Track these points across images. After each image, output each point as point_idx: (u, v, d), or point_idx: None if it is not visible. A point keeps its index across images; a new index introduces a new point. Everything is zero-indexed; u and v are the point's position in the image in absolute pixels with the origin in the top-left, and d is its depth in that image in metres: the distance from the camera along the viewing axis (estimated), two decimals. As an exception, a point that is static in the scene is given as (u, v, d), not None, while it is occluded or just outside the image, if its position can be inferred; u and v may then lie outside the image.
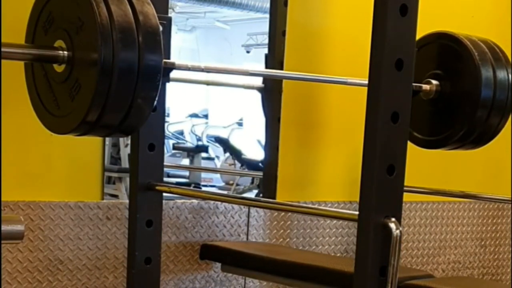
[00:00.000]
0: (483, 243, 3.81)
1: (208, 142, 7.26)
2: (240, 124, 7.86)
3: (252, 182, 5.40)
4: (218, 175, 6.61)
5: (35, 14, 1.98)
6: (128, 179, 2.62)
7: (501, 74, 2.61)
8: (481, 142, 2.71)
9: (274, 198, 3.08)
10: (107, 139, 2.95)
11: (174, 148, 6.97)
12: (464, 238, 3.73)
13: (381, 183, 1.80)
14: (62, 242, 2.64)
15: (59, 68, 1.91)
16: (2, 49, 1.82)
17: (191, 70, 2.30)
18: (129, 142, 2.76)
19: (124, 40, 1.81)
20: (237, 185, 5.83)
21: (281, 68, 3.09)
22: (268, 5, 3.23)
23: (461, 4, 3.57)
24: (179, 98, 7.05)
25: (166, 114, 2.66)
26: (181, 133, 7.69)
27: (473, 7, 3.63)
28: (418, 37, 1.91)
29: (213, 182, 6.34)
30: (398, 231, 1.78)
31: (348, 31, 3.19)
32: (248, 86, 3.33)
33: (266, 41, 3.25)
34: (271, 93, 3.20)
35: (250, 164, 5.95)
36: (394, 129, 1.81)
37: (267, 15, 3.22)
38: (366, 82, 1.84)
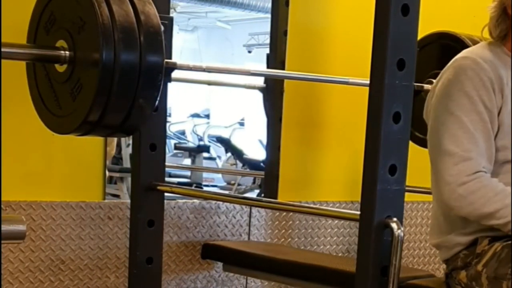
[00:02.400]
0: (484, 243, 3.80)
1: (209, 142, 7.25)
2: (241, 124, 7.86)
3: (254, 182, 5.40)
4: (219, 175, 6.60)
5: (37, 14, 1.98)
6: (129, 179, 2.61)
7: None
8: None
9: (275, 198, 3.08)
10: (109, 139, 2.95)
11: (176, 148, 6.96)
12: (466, 238, 3.72)
13: (383, 183, 1.80)
14: (64, 242, 2.64)
15: (60, 68, 1.91)
16: (4, 49, 1.82)
17: (193, 70, 2.30)
18: (130, 142, 2.77)
19: (126, 40, 1.81)
20: (239, 185, 5.83)
21: (283, 68, 3.08)
22: (269, 5, 3.23)
23: (462, 4, 3.56)
24: (180, 98, 7.04)
25: (167, 114, 2.66)
26: (183, 133, 7.69)
27: (474, 6, 3.61)
28: (419, 37, 1.91)
29: (214, 182, 6.34)
30: (399, 231, 1.78)
31: (349, 31, 3.19)
32: (249, 86, 3.33)
33: (268, 41, 3.25)
34: (272, 93, 3.20)
35: (252, 164, 5.95)
36: (395, 129, 1.81)
37: (269, 15, 3.22)
38: (368, 82, 1.84)
